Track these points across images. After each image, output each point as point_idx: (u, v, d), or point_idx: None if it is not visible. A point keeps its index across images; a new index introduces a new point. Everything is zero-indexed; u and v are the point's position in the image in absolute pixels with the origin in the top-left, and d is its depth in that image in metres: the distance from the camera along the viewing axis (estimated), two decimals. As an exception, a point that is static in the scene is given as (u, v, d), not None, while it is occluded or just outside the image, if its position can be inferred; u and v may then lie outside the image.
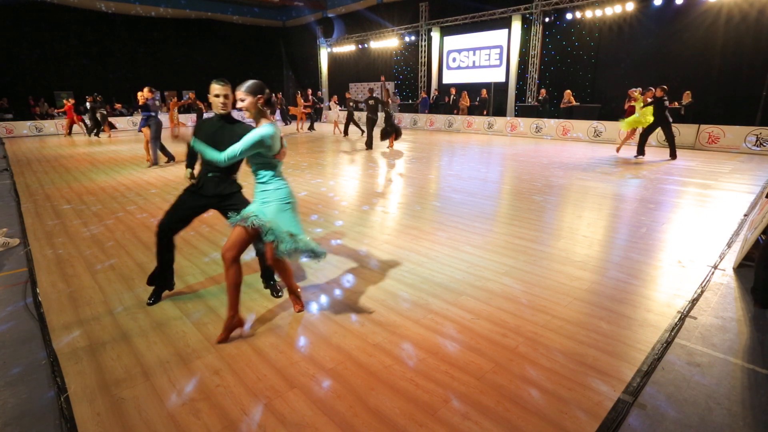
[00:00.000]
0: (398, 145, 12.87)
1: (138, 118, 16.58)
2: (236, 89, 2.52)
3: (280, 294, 3.24)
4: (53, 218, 5.41)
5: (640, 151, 9.86)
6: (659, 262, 3.84)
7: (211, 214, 5.48)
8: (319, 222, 5.15)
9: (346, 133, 15.52)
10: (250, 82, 2.50)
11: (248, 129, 2.70)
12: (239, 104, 2.51)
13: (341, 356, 2.48)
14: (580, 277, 3.52)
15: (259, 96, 2.48)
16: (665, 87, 9.37)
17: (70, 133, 16.23)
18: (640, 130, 9.89)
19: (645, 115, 9.56)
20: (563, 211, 5.63)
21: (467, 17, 17.54)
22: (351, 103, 15.11)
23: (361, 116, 15.52)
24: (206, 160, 2.66)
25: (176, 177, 8.10)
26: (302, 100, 17.76)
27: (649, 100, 9.53)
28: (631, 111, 12.78)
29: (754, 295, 3.13)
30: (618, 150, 10.57)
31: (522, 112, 15.92)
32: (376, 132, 12.01)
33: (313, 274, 3.65)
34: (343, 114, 16.07)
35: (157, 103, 9.33)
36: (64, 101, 15.79)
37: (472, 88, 18.00)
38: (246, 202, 3.03)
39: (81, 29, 20.37)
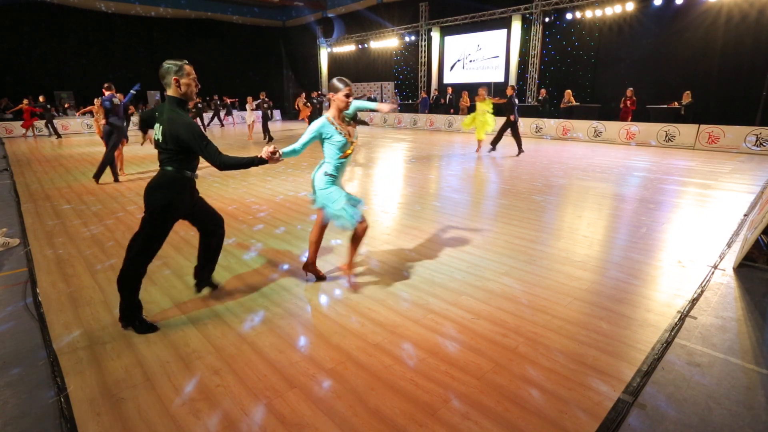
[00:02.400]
0: (399, 145, 12.90)
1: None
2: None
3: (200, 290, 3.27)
4: (53, 218, 5.41)
5: (493, 147, 10.67)
6: (659, 262, 3.84)
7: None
8: (319, 222, 5.14)
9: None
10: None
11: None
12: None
13: (341, 356, 2.48)
14: (580, 277, 3.52)
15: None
16: (514, 86, 10.57)
17: (26, 136, 16.19)
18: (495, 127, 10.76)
19: (483, 115, 10.47)
20: (563, 211, 5.63)
21: (467, 17, 17.55)
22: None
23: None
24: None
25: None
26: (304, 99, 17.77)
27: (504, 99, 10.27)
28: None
29: None
30: (478, 150, 11.10)
31: (522, 112, 15.91)
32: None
33: (313, 274, 3.64)
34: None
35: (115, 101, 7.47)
36: (23, 103, 15.55)
37: (472, 88, 17.99)
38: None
39: (81, 29, 20.38)
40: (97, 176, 7.51)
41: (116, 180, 7.62)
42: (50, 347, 2.58)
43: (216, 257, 3.19)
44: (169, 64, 2.64)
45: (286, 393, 2.17)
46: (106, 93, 7.17)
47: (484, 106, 10.45)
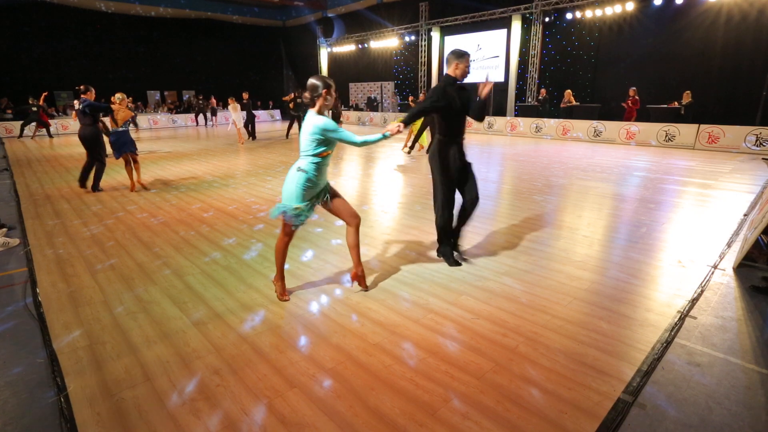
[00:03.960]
0: (399, 144, 12.87)
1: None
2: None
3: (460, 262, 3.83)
4: (53, 218, 5.41)
5: (411, 146, 11.05)
6: (659, 262, 3.84)
7: (212, 214, 5.51)
8: (319, 222, 5.15)
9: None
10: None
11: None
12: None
13: (341, 356, 2.48)
14: (580, 277, 3.52)
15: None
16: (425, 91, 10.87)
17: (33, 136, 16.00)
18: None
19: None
20: (563, 211, 5.63)
21: (467, 17, 17.54)
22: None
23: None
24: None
25: (175, 176, 8.11)
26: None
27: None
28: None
29: None
30: (405, 148, 11.32)
31: (522, 111, 15.91)
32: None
33: (314, 274, 3.65)
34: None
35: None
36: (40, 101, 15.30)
37: (472, 88, 17.98)
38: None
39: (81, 29, 20.38)
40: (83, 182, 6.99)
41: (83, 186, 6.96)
42: (50, 347, 2.58)
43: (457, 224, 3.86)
44: (456, 52, 3.52)
45: (286, 393, 2.17)
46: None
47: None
